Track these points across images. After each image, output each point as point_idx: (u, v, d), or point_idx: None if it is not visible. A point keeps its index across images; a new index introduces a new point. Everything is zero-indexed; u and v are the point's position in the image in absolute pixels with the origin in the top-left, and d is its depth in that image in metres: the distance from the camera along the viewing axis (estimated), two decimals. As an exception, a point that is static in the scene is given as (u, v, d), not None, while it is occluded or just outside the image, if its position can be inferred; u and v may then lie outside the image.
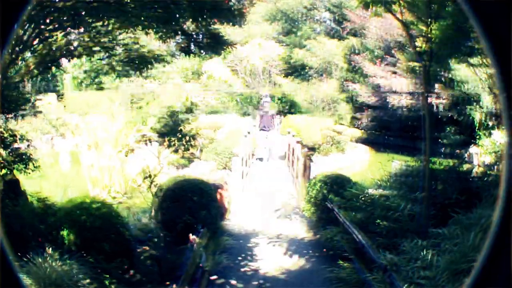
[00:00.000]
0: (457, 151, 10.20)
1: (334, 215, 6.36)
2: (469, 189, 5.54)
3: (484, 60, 6.79)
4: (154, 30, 6.05)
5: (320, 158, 14.95)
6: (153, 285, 3.95)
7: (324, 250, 5.91)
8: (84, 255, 3.56)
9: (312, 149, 14.82)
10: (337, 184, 7.26)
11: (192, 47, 19.64)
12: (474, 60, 7.44)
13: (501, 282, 1.41)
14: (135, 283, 4.06)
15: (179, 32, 9.01)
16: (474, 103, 10.78)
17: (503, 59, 1.34)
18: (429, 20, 5.00)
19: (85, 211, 4.27)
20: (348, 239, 5.51)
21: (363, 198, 5.92)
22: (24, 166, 5.34)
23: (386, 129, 16.48)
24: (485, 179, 5.69)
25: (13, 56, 4.90)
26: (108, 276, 3.58)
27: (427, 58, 5.41)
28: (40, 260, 3.10)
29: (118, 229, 4.19)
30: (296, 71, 19.87)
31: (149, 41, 9.30)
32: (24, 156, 5.26)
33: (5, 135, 5.25)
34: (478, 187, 5.47)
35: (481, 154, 8.75)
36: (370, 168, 11.38)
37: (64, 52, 5.90)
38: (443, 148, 11.12)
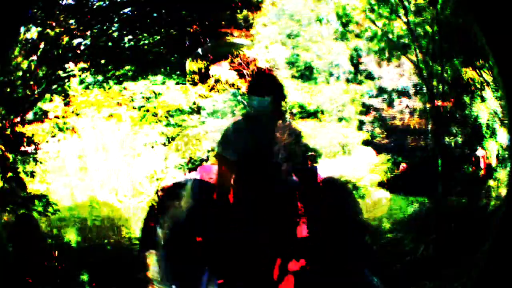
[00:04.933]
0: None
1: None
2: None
3: (489, 62, 6.81)
4: (159, 33, 6.15)
5: (327, 161, 14.95)
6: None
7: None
8: (88, 257, 3.59)
9: (319, 152, 14.78)
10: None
11: (199, 50, 19.64)
12: (479, 61, 7.46)
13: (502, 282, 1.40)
14: (139, 285, 4.08)
15: (186, 36, 9.05)
16: (480, 105, 10.67)
17: (505, 62, 1.33)
18: (434, 21, 5.04)
19: (89, 213, 4.32)
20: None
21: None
22: (31, 169, 5.41)
23: (393, 131, 16.43)
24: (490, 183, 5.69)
25: (20, 59, 4.98)
26: (112, 278, 3.62)
27: (432, 59, 5.44)
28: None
29: (122, 231, 4.23)
30: (303, 74, 19.81)
31: (156, 45, 9.34)
32: (31, 159, 5.32)
33: (12, 138, 5.32)
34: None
35: (487, 157, 8.73)
36: (376, 171, 11.42)
37: (71, 55, 6.01)
38: (449, 149, 11.03)
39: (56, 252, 4.55)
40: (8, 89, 5.56)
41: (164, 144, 11.04)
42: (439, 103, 9.96)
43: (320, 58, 18.82)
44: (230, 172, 1.53)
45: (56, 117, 7.55)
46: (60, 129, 7.61)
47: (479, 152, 10.01)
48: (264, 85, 1.83)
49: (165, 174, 9.09)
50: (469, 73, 10.03)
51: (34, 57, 5.98)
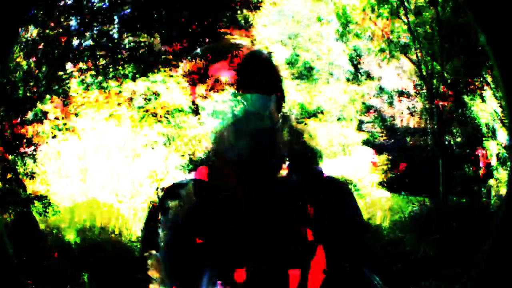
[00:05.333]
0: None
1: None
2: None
3: (489, 62, 6.84)
4: (159, 33, 6.18)
5: (327, 161, 14.98)
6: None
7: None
8: (88, 257, 3.60)
9: (320, 153, 14.81)
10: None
11: (198, 50, 19.63)
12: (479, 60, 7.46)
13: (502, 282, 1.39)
14: (140, 285, 4.06)
15: (186, 36, 9.07)
16: (480, 105, 10.67)
17: (506, 62, 1.33)
18: (434, 21, 5.06)
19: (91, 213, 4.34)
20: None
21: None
22: (31, 170, 5.42)
23: (393, 131, 16.48)
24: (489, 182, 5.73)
25: (19, 60, 5.01)
26: (112, 278, 3.62)
27: (432, 59, 5.46)
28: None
29: (122, 231, 4.24)
30: (303, 74, 19.83)
31: (155, 44, 9.34)
32: (30, 161, 5.33)
33: (11, 139, 5.33)
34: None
35: (486, 156, 8.77)
36: (376, 172, 11.47)
37: (70, 56, 6.03)
38: (449, 148, 11.03)
39: (56, 252, 4.56)
40: (8, 87, 5.57)
41: (164, 145, 11.04)
42: (439, 102, 9.97)
43: (320, 59, 18.84)
44: (230, 172, 1.49)
45: (56, 118, 7.55)
46: (60, 130, 7.62)
47: (479, 151, 10.03)
48: (253, 69, 1.49)
49: (165, 175, 9.10)
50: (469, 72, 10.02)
51: (34, 58, 6.01)
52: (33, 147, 6.05)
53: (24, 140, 5.83)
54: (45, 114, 7.01)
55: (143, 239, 1.69)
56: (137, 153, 9.91)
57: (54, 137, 7.37)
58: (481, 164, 8.83)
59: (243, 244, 1.52)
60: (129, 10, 6.14)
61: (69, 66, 7.54)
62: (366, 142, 16.40)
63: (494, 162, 9.04)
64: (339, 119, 17.60)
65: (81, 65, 7.36)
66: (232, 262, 1.49)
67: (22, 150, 5.92)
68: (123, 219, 8.15)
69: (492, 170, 9.81)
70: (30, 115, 6.64)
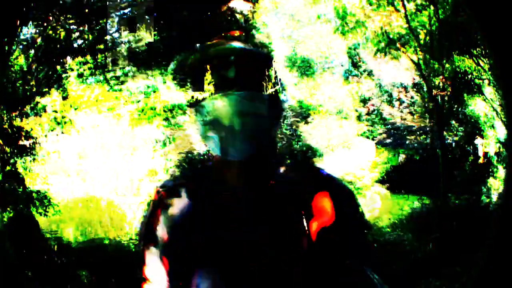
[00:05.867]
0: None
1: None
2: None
3: (488, 60, 6.84)
4: (159, 32, 6.19)
5: (327, 156, 15.01)
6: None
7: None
8: (88, 256, 3.60)
9: (319, 152, 14.84)
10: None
11: (198, 45, 19.59)
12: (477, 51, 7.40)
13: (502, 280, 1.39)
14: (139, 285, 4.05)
15: (184, 30, 9.07)
16: (477, 95, 10.60)
17: (506, 61, 1.32)
18: (433, 19, 5.06)
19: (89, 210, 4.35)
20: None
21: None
22: (30, 164, 5.42)
23: (391, 123, 16.54)
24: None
25: (17, 54, 5.02)
26: (111, 275, 3.62)
27: (432, 57, 5.46)
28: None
29: (122, 230, 4.24)
30: (302, 71, 19.84)
31: (153, 39, 9.32)
32: (29, 154, 5.33)
33: (10, 132, 5.32)
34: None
35: (485, 145, 8.80)
36: (374, 164, 11.49)
37: (68, 49, 6.03)
38: (448, 146, 11.03)
39: (56, 251, 4.56)
40: (10, 88, 5.57)
41: (164, 143, 11.03)
42: (438, 93, 9.95)
43: (319, 56, 18.84)
44: (229, 171, 1.47)
45: (55, 111, 7.53)
46: (58, 123, 7.60)
47: (478, 140, 10.05)
48: (251, 67, 1.41)
49: (165, 174, 9.10)
50: (467, 62, 9.99)
51: (32, 51, 6.00)
52: (32, 140, 6.03)
53: (23, 133, 5.81)
54: (43, 108, 6.98)
55: (142, 237, 1.67)
56: (137, 151, 9.90)
57: (53, 130, 7.34)
58: (479, 153, 8.83)
59: (243, 244, 1.51)
60: (129, 10, 6.16)
61: (69, 61, 7.53)
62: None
63: (492, 151, 9.05)
64: (338, 113, 17.59)
65: (80, 58, 7.33)
66: (232, 262, 1.48)
67: (20, 143, 5.90)
68: (123, 217, 8.15)
69: (491, 159, 9.81)
70: (28, 108, 6.61)
